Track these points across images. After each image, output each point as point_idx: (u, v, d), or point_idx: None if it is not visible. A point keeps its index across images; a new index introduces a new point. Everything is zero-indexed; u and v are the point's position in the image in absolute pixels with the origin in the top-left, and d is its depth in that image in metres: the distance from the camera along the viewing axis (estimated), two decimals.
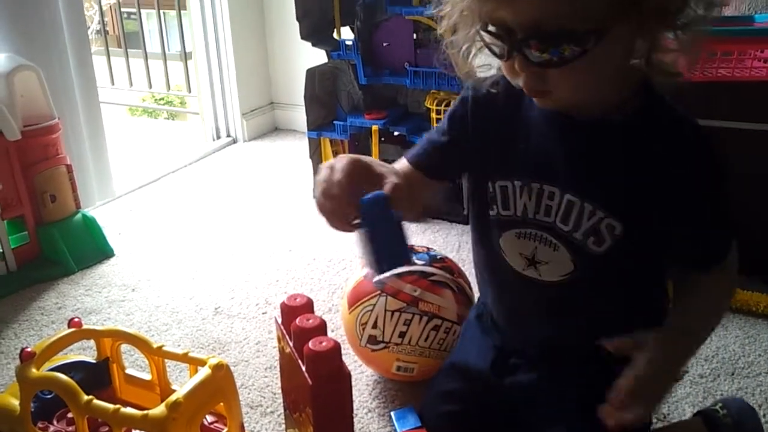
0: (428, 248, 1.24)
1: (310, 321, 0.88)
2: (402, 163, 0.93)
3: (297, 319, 0.88)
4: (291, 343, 0.88)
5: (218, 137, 2.69)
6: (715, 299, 0.84)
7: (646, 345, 0.78)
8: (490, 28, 0.69)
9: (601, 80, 0.71)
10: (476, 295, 1.21)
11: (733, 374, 1.23)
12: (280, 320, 0.93)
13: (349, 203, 0.73)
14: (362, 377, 1.25)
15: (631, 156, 0.76)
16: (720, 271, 0.82)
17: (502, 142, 0.83)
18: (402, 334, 1.13)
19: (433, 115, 1.80)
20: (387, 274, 0.77)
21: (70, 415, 1.00)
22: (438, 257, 1.21)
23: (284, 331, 0.90)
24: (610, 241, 0.79)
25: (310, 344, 0.84)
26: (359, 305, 1.16)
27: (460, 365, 1.01)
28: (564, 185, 0.79)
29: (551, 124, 0.78)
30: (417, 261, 1.18)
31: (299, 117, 2.47)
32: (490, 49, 0.72)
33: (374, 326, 1.14)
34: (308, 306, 0.92)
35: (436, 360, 1.14)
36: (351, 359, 1.26)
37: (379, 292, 1.14)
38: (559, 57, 0.66)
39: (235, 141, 2.68)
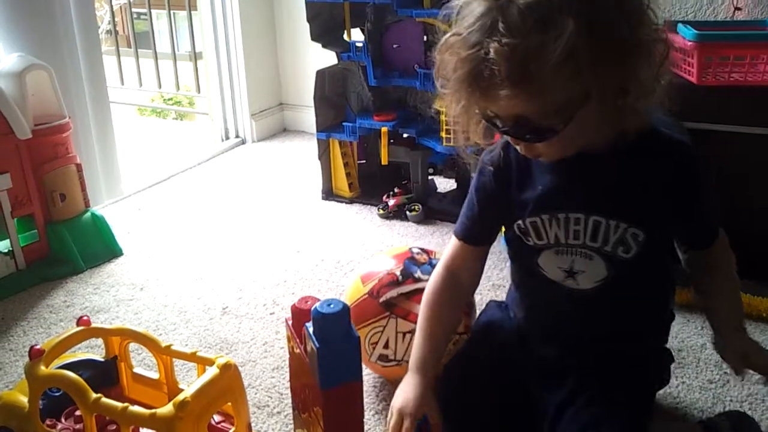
0: (429, 256, 1.21)
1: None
2: (451, 246, 1.05)
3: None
4: (301, 345, 0.88)
5: (227, 138, 2.69)
6: (726, 258, 1.00)
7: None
8: (481, 116, 0.84)
9: (584, 136, 0.84)
10: (477, 297, 1.22)
11: (742, 380, 1.22)
12: (291, 322, 0.93)
13: None
14: (369, 379, 1.25)
15: (637, 176, 0.90)
16: (719, 241, 0.99)
17: (523, 190, 0.96)
18: None
19: (443, 117, 1.80)
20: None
21: (78, 412, 1.00)
22: None
23: (294, 333, 0.90)
24: (636, 247, 0.91)
25: None
26: (367, 326, 1.14)
27: (490, 329, 1.08)
28: (588, 210, 0.92)
29: (562, 163, 0.90)
30: (421, 276, 1.15)
31: (308, 118, 2.47)
32: (488, 127, 0.86)
33: (386, 347, 1.13)
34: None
35: None
36: None
37: (387, 313, 1.13)
38: (538, 137, 0.82)
39: (243, 142, 2.68)
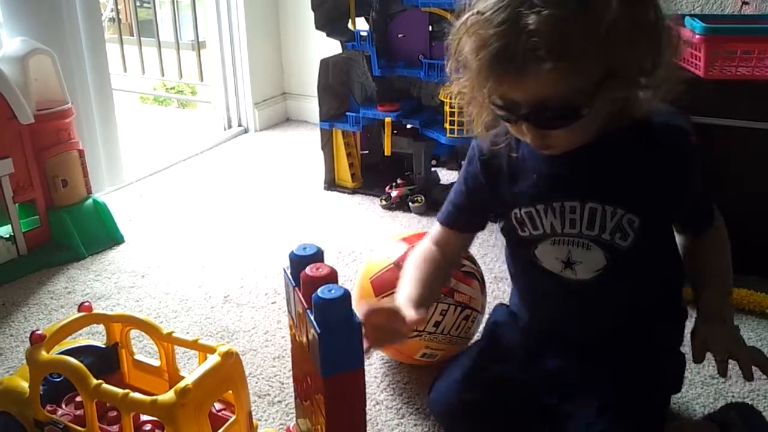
0: None
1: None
2: (436, 228, 1.05)
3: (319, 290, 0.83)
4: (298, 310, 0.84)
5: (230, 127, 2.69)
6: (720, 247, 1.00)
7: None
8: (500, 102, 0.81)
9: (594, 127, 0.84)
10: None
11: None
12: (301, 292, 0.88)
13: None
14: (370, 369, 1.24)
15: (633, 162, 0.89)
16: (714, 229, 0.99)
17: (515, 180, 0.95)
18: (437, 324, 1.14)
19: (447, 108, 1.79)
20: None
21: (78, 398, 1.00)
22: None
23: (304, 303, 0.86)
24: (632, 234, 0.90)
25: None
26: (392, 294, 1.14)
27: (490, 352, 1.06)
28: (584, 197, 0.90)
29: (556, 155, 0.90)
30: None
31: (311, 108, 2.47)
32: (500, 116, 0.84)
33: None
34: (332, 277, 0.87)
35: (459, 347, 1.17)
36: None
37: None
38: (562, 122, 0.80)
39: (246, 131, 2.67)
